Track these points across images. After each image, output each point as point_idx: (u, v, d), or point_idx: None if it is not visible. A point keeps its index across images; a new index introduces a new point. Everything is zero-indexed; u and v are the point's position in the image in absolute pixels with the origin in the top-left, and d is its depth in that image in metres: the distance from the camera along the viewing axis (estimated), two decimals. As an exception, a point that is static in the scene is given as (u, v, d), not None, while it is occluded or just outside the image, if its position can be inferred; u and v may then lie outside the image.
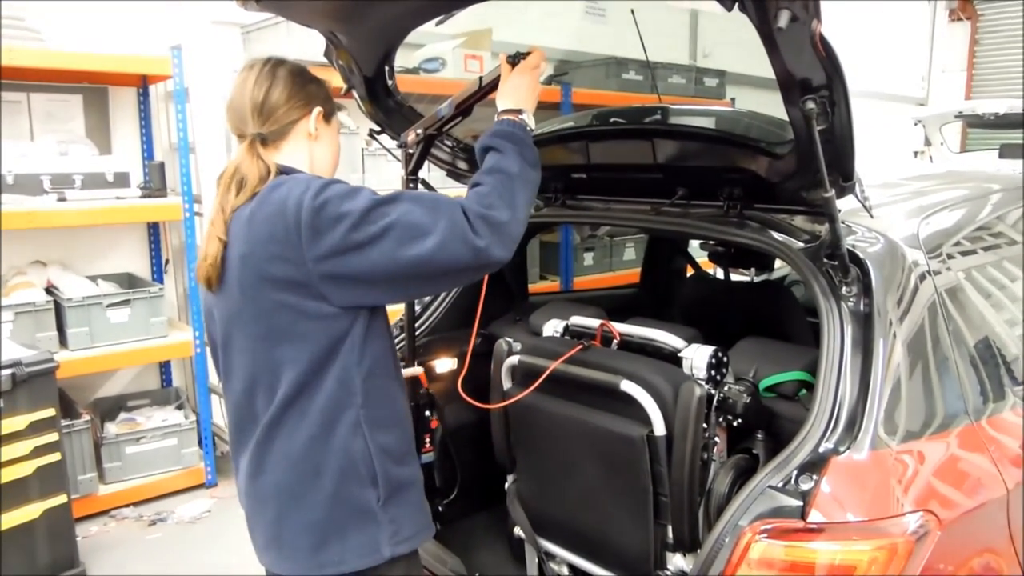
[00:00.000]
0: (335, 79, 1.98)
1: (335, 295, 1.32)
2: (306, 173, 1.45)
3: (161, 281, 3.91)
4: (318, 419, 1.36)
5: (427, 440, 2.06)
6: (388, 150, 2.35)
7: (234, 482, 3.87)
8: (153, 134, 3.83)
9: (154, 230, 3.93)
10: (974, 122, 5.20)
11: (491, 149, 1.41)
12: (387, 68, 1.99)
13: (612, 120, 1.98)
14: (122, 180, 3.47)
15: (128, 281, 3.73)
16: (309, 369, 1.34)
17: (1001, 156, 3.68)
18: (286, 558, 1.42)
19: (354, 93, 2.05)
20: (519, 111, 1.47)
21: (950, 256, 1.80)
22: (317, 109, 1.50)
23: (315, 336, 1.34)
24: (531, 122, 1.47)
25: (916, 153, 5.45)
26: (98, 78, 3.57)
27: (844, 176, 1.43)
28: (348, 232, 1.28)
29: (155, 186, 3.57)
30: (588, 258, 5.01)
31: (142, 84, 3.76)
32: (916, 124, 5.24)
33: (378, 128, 2.12)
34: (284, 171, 1.43)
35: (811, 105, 1.27)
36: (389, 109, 2.07)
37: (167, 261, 3.98)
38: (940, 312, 1.61)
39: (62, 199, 3.26)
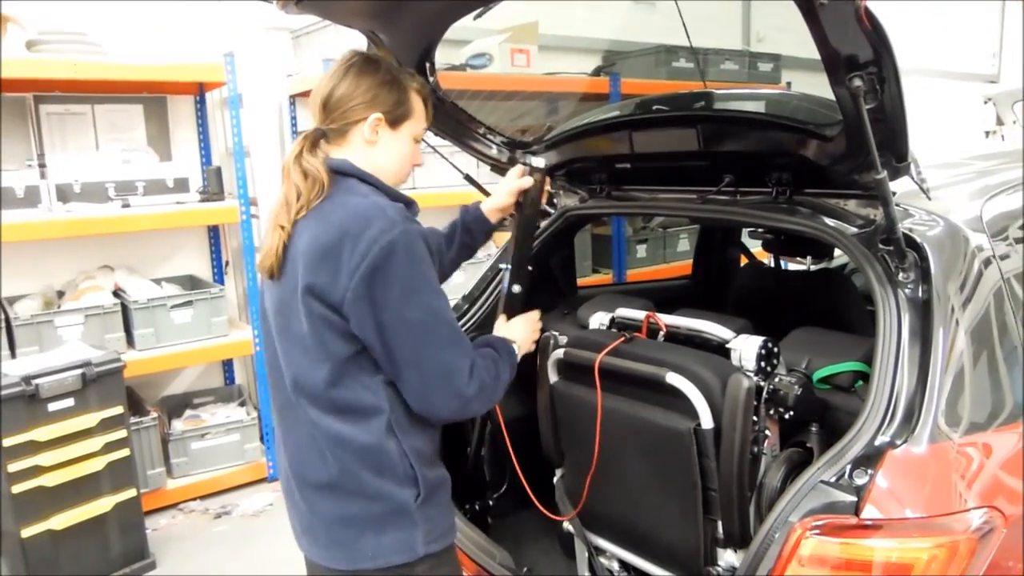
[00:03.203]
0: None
1: (354, 323, 1.36)
2: (365, 185, 1.44)
3: (222, 282, 4.02)
4: (353, 419, 1.39)
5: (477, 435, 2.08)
6: (433, 147, 2.37)
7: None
8: (210, 140, 3.95)
9: (214, 233, 4.05)
10: (1050, 98, 4.94)
11: (491, 347, 1.55)
12: (428, 65, 2.00)
13: (655, 108, 1.94)
14: (182, 185, 3.58)
15: (190, 283, 3.86)
16: (337, 372, 1.37)
17: (1080, 133, 3.48)
18: (321, 547, 1.47)
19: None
20: (513, 341, 1.61)
21: (1018, 240, 1.71)
22: (375, 115, 1.46)
23: (338, 345, 1.37)
24: (520, 351, 1.62)
25: (987, 133, 5.20)
26: (157, 87, 3.70)
27: (897, 156, 1.37)
28: (396, 294, 1.32)
29: (213, 190, 3.67)
30: (641, 250, 4.94)
31: (199, 92, 3.87)
32: (986, 103, 5.01)
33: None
34: (337, 169, 1.44)
35: (858, 83, 1.22)
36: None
37: (227, 263, 4.10)
38: (1007, 298, 1.53)
39: (126, 205, 3.39)
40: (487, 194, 2.01)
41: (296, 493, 1.48)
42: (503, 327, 1.70)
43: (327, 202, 1.40)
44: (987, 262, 1.55)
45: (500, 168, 2.30)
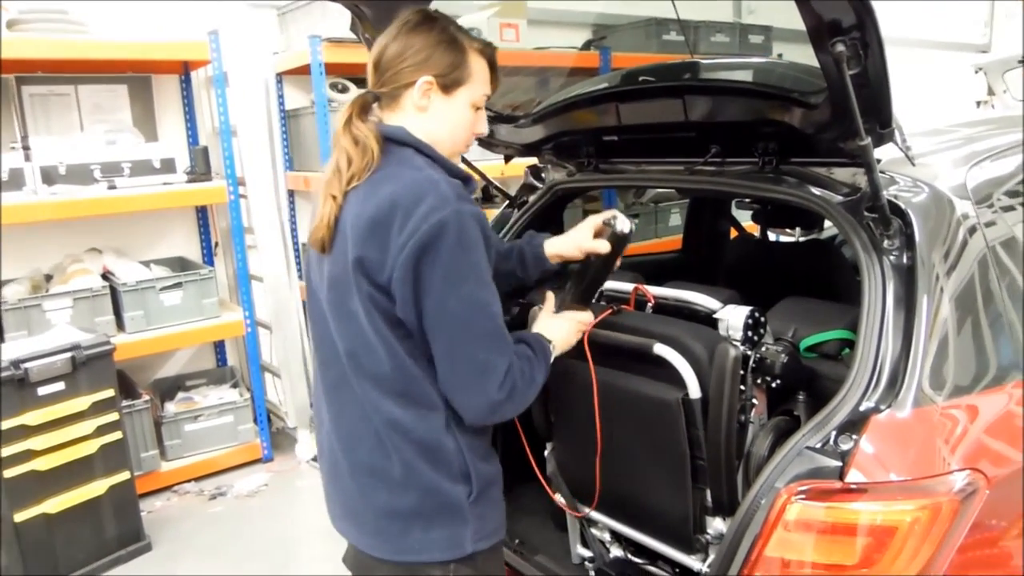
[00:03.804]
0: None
1: (399, 306, 1.30)
2: (421, 157, 1.37)
3: (211, 264, 4.01)
4: (414, 409, 1.33)
5: None
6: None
7: (290, 457, 3.94)
8: (196, 120, 3.91)
9: (202, 214, 4.02)
10: (1040, 67, 4.91)
11: (528, 345, 1.43)
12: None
13: (641, 79, 1.92)
14: (168, 166, 3.56)
15: (180, 265, 3.84)
16: (394, 355, 1.32)
17: (1069, 102, 3.46)
18: (366, 534, 1.42)
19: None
20: (551, 341, 1.50)
21: (1006, 208, 1.71)
22: (425, 78, 1.36)
23: (387, 328, 1.31)
24: (555, 352, 1.51)
25: (979, 103, 5.19)
26: (141, 67, 3.65)
27: (881, 123, 1.36)
28: (439, 278, 1.26)
29: (200, 171, 3.64)
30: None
31: (184, 71, 3.83)
32: (977, 72, 4.98)
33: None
34: (390, 136, 1.37)
35: (841, 48, 1.21)
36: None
37: (216, 244, 4.08)
38: (992, 266, 1.53)
39: (112, 187, 3.37)
40: (477, 172, 1.98)
41: (346, 476, 1.42)
42: (547, 320, 1.57)
43: (379, 172, 1.33)
44: (972, 230, 1.54)
45: (488, 143, 2.29)
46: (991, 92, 4.94)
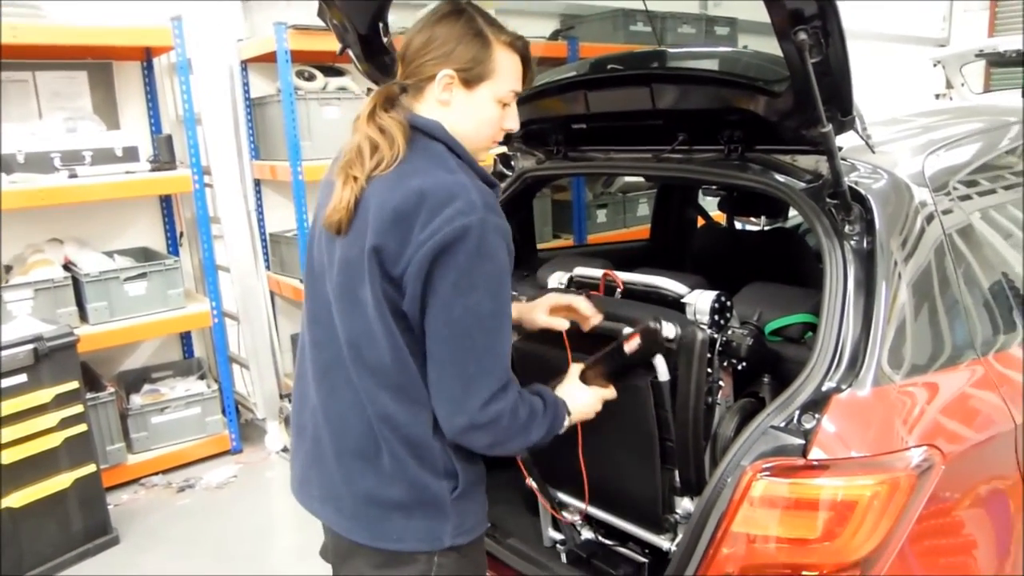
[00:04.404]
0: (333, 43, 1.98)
1: (406, 299, 1.28)
2: (453, 158, 1.33)
3: (176, 254, 3.95)
4: (408, 404, 1.32)
5: None
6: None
7: (259, 448, 3.91)
8: (159, 107, 3.85)
9: (166, 204, 3.96)
10: (996, 60, 5.02)
11: (542, 400, 1.40)
12: (381, 25, 1.97)
13: (609, 67, 1.94)
14: (131, 155, 3.49)
15: (144, 255, 3.78)
16: (397, 349, 1.30)
17: (1026, 95, 3.55)
18: (344, 518, 1.41)
19: (350, 53, 2.03)
20: (569, 411, 1.46)
21: (963, 196, 1.76)
22: (445, 72, 1.32)
23: (393, 320, 1.29)
24: (567, 423, 1.45)
25: (937, 96, 5.31)
26: (102, 53, 3.58)
27: (842, 111, 1.40)
28: (449, 282, 1.23)
29: (164, 159, 3.59)
30: (601, 215, 4.98)
31: (146, 57, 3.76)
32: (935, 65, 5.09)
33: (375, 87, 2.10)
34: (422, 128, 1.33)
35: (803, 36, 1.24)
36: (385, 67, 2.05)
37: (181, 234, 4.02)
38: (949, 253, 1.58)
39: (73, 176, 3.30)
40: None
41: (331, 459, 1.40)
42: (574, 388, 1.51)
43: (408, 164, 1.29)
44: (930, 217, 1.59)
45: None
46: (949, 85, 5.05)
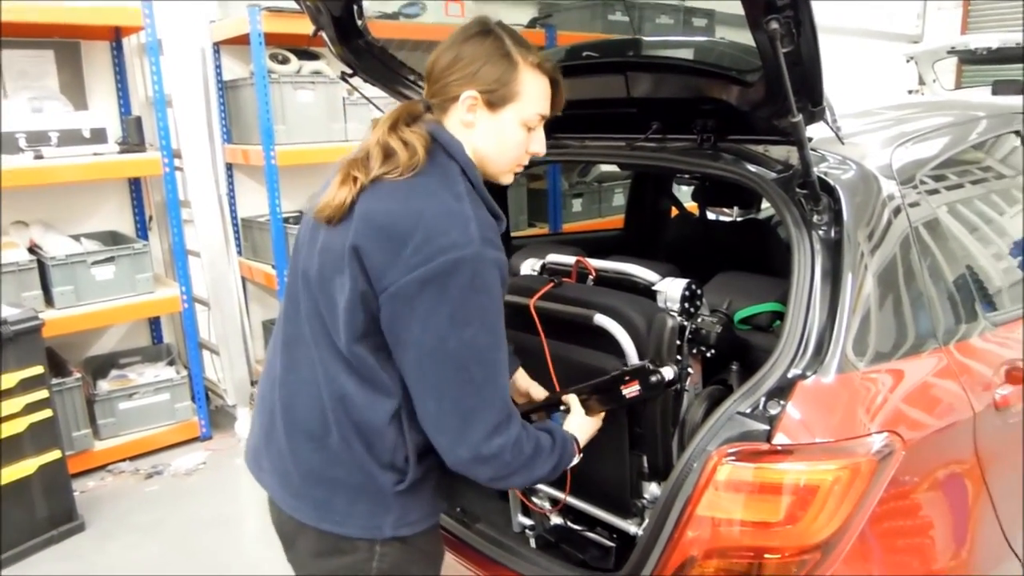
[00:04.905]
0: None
1: (384, 318, 1.26)
2: (464, 183, 1.30)
3: (145, 238, 3.90)
4: (367, 389, 1.30)
5: None
6: (365, 96, 2.32)
7: (229, 435, 3.88)
8: (129, 89, 3.78)
9: (135, 187, 3.90)
10: (967, 58, 5.10)
11: (551, 437, 1.38)
12: (356, 8, 1.95)
13: (585, 54, 1.94)
14: (99, 136, 3.43)
15: (112, 239, 3.72)
16: (364, 338, 1.28)
17: (994, 92, 3.61)
18: (289, 495, 1.40)
19: (324, 35, 2.01)
20: (581, 450, 1.45)
21: (931, 191, 1.79)
22: (469, 93, 1.30)
23: (364, 322, 1.27)
24: (575, 460, 1.44)
25: (910, 92, 5.38)
26: (69, 31, 3.50)
27: (813, 101, 1.41)
28: (445, 316, 1.20)
29: (133, 141, 3.52)
30: (576, 204, 4.99)
31: (115, 37, 3.68)
32: (908, 61, 5.15)
33: (350, 71, 2.08)
34: (443, 144, 1.31)
35: (775, 25, 1.24)
36: (359, 50, 2.03)
37: (150, 218, 3.96)
38: (914, 245, 1.61)
39: (39, 157, 3.23)
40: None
41: (281, 434, 1.39)
42: (581, 420, 1.50)
43: (419, 178, 1.27)
44: (896, 210, 1.61)
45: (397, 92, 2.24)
46: (922, 82, 5.12)
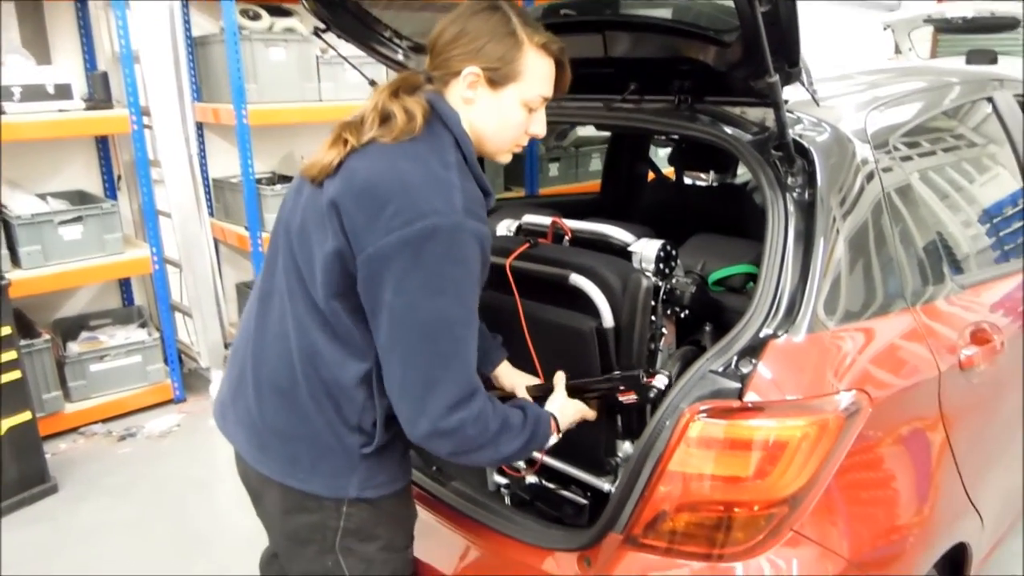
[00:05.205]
0: None
1: (360, 280, 1.24)
2: (455, 154, 1.30)
3: (114, 198, 3.82)
4: (338, 347, 1.29)
5: None
6: (340, 54, 2.27)
7: (204, 397, 3.86)
8: (94, 43, 3.66)
9: (103, 145, 3.80)
10: (943, 27, 5.12)
11: (523, 414, 1.36)
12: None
13: (563, 12, 1.91)
14: (64, 92, 3.33)
15: (79, 198, 3.64)
16: (340, 296, 1.27)
17: (968, 62, 3.64)
18: (254, 447, 1.40)
19: (296, -11, 1.96)
20: (559, 428, 1.45)
21: (904, 158, 1.80)
22: (470, 69, 1.28)
23: (341, 281, 1.26)
24: (553, 440, 1.44)
25: (889, 60, 5.39)
26: (30, -18, 3.38)
27: (789, 62, 1.41)
28: (418, 282, 1.18)
29: (99, 98, 3.43)
30: (553, 169, 4.97)
31: (79, -11, 3.56)
32: (885, 29, 5.16)
33: (323, 26, 2.04)
34: (440, 114, 1.30)
35: (753, -16, 1.24)
36: (333, 5, 1.98)
37: (119, 177, 3.88)
38: (886, 210, 1.63)
39: (1, 112, 3.13)
40: None
41: (250, 387, 1.39)
42: (563, 402, 1.51)
43: (410, 144, 1.26)
44: (870, 176, 1.63)
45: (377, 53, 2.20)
46: (898, 50, 5.13)
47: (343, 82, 3.88)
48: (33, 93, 3.24)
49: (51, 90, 3.29)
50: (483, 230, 1.24)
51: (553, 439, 1.43)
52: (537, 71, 1.32)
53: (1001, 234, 2.15)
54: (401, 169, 1.23)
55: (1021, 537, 2.39)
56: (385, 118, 1.29)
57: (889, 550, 1.46)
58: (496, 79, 1.30)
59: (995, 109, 2.26)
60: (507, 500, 1.90)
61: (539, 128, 1.39)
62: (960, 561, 1.79)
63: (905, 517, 1.50)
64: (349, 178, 1.25)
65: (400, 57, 2.20)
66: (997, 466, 1.89)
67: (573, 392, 1.54)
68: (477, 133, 1.35)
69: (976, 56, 3.66)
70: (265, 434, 1.38)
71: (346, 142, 1.28)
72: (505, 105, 1.32)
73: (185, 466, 3.25)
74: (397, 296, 1.20)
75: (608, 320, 1.59)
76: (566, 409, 1.50)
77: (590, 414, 1.55)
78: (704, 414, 1.31)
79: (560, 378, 1.55)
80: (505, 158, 1.43)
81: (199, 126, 4.01)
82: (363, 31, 2.10)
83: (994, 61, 3.57)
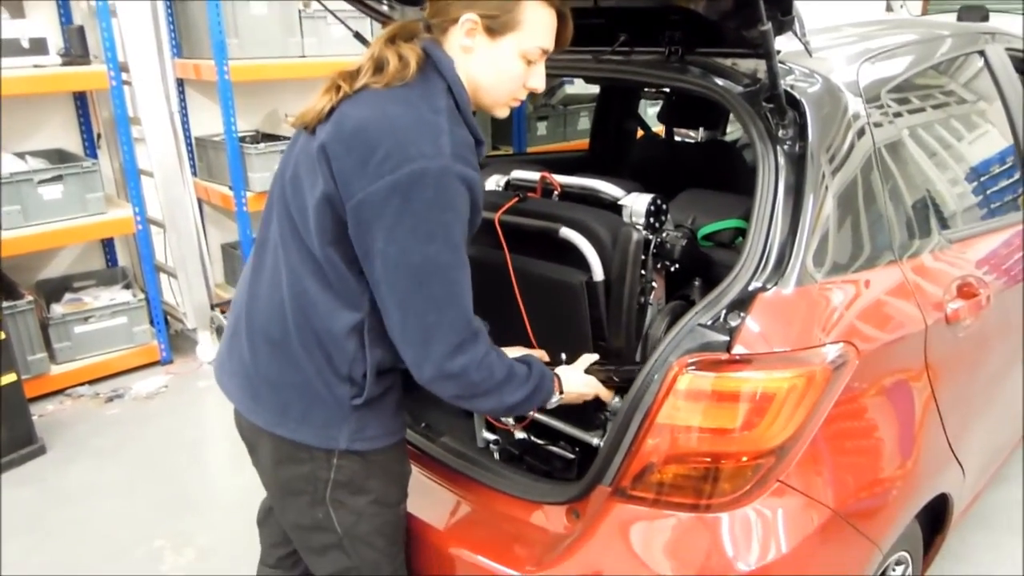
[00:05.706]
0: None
1: (351, 227, 1.24)
2: (446, 99, 1.27)
3: (95, 156, 3.75)
4: (331, 296, 1.29)
5: None
6: (324, 5, 2.22)
7: (191, 359, 3.85)
8: (69, -4, 3.56)
9: (81, 102, 3.72)
10: (934, -16, 5.07)
11: (528, 367, 1.36)
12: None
13: (551, -39, 1.87)
14: (39, 47, 3.24)
15: (59, 157, 3.57)
16: (334, 244, 1.26)
17: (960, 19, 3.61)
18: (248, 398, 1.41)
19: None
20: (562, 389, 1.44)
21: (897, 113, 1.79)
22: (468, 16, 1.26)
23: (332, 227, 1.25)
24: (555, 400, 1.43)
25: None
26: (-1, -69, 3.26)
27: (782, 10, 1.38)
28: (408, 229, 1.17)
29: (76, 53, 3.34)
30: (541, 127, 4.92)
31: (51, -61, 3.44)
32: (879, -14, 5.09)
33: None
34: (435, 61, 1.28)
35: (747, -73, 1.20)
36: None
37: (99, 135, 3.80)
38: (876, 167, 1.62)
39: (-27, 67, 3.05)
40: None
41: (243, 338, 1.39)
42: (574, 371, 1.51)
43: (401, 89, 1.25)
44: (861, 131, 1.61)
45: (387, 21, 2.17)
46: (889, 8, 5.08)
47: (327, 37, 3.79)
48: (7, 48, 3.15)
49: (25, 44, 3.20)
50: (472, 175, 1.22)
51: (555, 399, 1.43)
52: (537, 22, 1.29)
53: (989, 191, 2.15)
54: (391, 113, 1.22)
55: (1021, 537, 2.44)
56: (380, 65, 1.27)
57: (873, 500, 1.48)
58: (494, 27, 1.27)
59: (987, 63, 2.24)
60: (496, 455, 1.91)
61: (538, 82, 1.36)
62: (941, 511, 1.83)
63: (889, 468, 1.52)
64: (340, 123, 1.24)
65: (385, 8, 2.15)
66: (980, 419, 1.91)
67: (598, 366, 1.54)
68: (474, 84, 1.32)
69: (968, 13, 3.63)
70: (258, 384, 1.39)
71: (339, 88, 1.27)
72: (503, 56, 1.29)
73: (173, 427, 3.25)
74: (389, 244, 1.20)
75: (598, 274, 1.59)
76: (571, 374, 1.50)
77: (602, 390, 1.53)
78: (692, 367, 1.31)
79: (586, 357, 1.55)
80: (502, 112, 1.41)
81: (180, 83, 3.93)
82: (345, -20, 2.04)
83: (985, 18, 3.54)
